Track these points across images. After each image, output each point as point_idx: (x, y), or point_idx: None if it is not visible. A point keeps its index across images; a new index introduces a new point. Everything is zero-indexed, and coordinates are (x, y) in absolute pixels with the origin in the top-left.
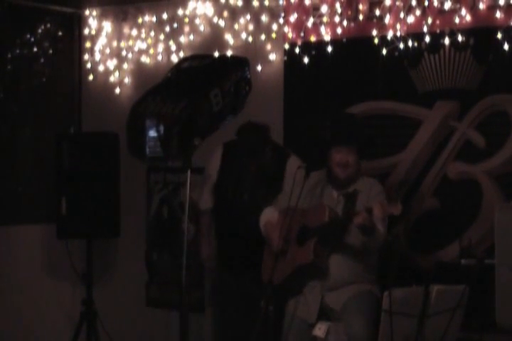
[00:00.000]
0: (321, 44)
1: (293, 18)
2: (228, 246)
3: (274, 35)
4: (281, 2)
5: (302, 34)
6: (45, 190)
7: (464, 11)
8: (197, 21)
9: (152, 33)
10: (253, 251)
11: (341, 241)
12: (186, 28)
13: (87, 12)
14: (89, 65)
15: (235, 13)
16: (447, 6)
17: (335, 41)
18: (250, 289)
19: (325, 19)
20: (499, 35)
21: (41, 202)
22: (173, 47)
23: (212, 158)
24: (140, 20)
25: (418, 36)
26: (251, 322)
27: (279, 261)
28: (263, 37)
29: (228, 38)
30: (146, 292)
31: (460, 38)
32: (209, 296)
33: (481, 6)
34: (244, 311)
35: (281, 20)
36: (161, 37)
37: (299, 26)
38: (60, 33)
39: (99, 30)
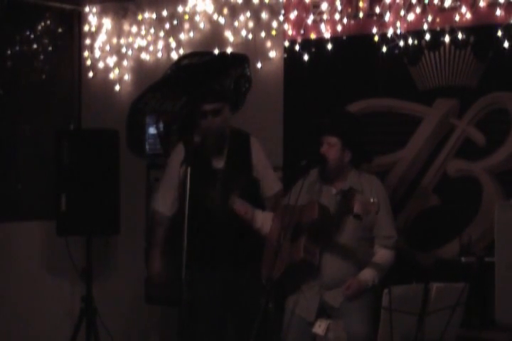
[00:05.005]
0: (321, 41)
1: (293, 15)
2: (207, 244)
3: (274, 33)
4: None
5: (302, 31)
6: (44, 187)
7: (464, 9)
8: (197, 18)
9: (152, 30)
10: (234, 247)
11: (332, 239)
12: (186, 25)
13: (86, 9)
14: (89, 62)
15: (234, 10)
16: (447, 3)
17: (335, 39)
18: (232, 285)
19: (325, 16)
20: (499, 33)
21: (41, 199)
22: (173, 44)
23: (173, 160)
24: (140, 17)
25: (418, 34)
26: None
27: (277, 257)
28: (263, 34)
29: (228, 35)
30: (145, 289)
31: (460, 36)
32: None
33: (481, 3)
34: (221, 308)
35: (281, 18)
36: (161, 34)
37: (299, 23)
38: (59, 30)
39: (99, 27)
